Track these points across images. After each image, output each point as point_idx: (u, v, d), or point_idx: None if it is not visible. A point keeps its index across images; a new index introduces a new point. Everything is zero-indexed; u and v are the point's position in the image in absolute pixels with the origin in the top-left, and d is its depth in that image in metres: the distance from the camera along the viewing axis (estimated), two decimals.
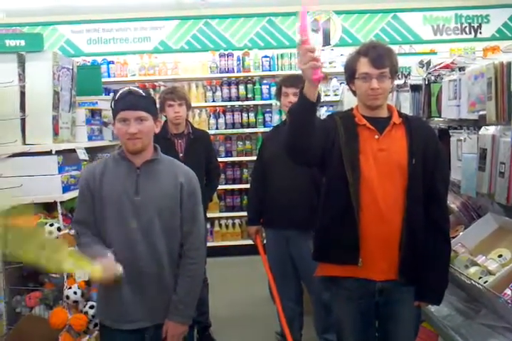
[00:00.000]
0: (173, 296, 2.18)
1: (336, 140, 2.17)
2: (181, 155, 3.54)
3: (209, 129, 6.09)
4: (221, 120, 6.24)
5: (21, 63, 2.99)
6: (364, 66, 2.13)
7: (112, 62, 6.31)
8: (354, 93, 2.25)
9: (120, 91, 2.16)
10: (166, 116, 3.63)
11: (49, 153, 2.93)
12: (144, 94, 2.16)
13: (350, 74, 2.21)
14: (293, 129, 2.04)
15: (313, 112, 2.02)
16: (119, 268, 2.04)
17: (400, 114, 2.26)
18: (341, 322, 2.29)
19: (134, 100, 2.12)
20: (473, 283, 2.19)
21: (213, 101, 6.24)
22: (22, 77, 2.98)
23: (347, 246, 2.14)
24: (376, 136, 2.17)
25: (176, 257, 2.21)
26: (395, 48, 2.31)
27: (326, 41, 6.48)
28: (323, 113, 5.54)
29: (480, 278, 2.22)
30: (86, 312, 2.87)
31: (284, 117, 5.85)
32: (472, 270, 2.29)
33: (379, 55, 2.13)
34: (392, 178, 2.14)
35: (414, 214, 2.14)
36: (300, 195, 3.11)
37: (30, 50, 2.99)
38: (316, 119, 2.08)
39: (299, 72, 1.94)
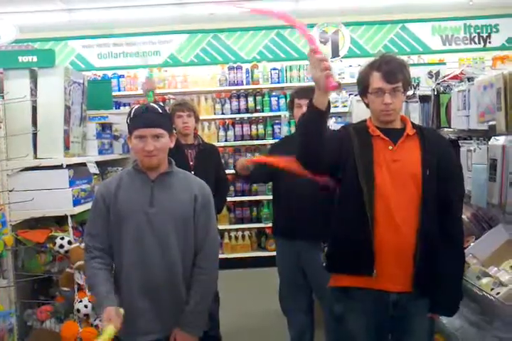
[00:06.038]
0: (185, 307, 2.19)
1: (350, 151, 2.17)
2: (191, 163, 3.59)
3: (218, 141, 6.12)
4: (230, 132, 6.26)
5: (33, 78, 3.04)
6: (377, 81, 2.13)
7: (122, 76, 6.38)
8: (367, 105, 2.26)
9: (136, 107, 2.18)
10: (175, 128, 3.67)
11: (60, 167, 2.95)
12: (160, 110, 2.18)
13: (363, 88, 2.21)
14: (303, 139, 2.05)
15: (323, 121, 2.03)
16: (121, 311, 2.05)
17: (414, 125, 2.26)
18: (354, 335, 2.26)
19: (151, 117, 2.14)
20: (485, 294, 2.16)
21: (222, 113, 6.26)
22: (34, 92, 3.03)
23: (361, 256, 2.13)
24: (390, 147, 2.17)
25: (189, 268, 2.21)
26: (404, 59, 2.31)
27: (335, 53, 6.49)
28: (331, 124, 5.53)
29: (492, 289, 2.19)
30: (96, 326, 2.87)
31: (293, 129, 5.86)
32: (484, 281, 2.26)
33: (392, 70, 2.13)
34: (407, 189, 2.13)
35: (429, 225, 2.13)
36: (312, 205, 3.09)
37: (43, 66, 3.03)
38: (326, 129, 2.08)
39: (310, 83, 1.95)
